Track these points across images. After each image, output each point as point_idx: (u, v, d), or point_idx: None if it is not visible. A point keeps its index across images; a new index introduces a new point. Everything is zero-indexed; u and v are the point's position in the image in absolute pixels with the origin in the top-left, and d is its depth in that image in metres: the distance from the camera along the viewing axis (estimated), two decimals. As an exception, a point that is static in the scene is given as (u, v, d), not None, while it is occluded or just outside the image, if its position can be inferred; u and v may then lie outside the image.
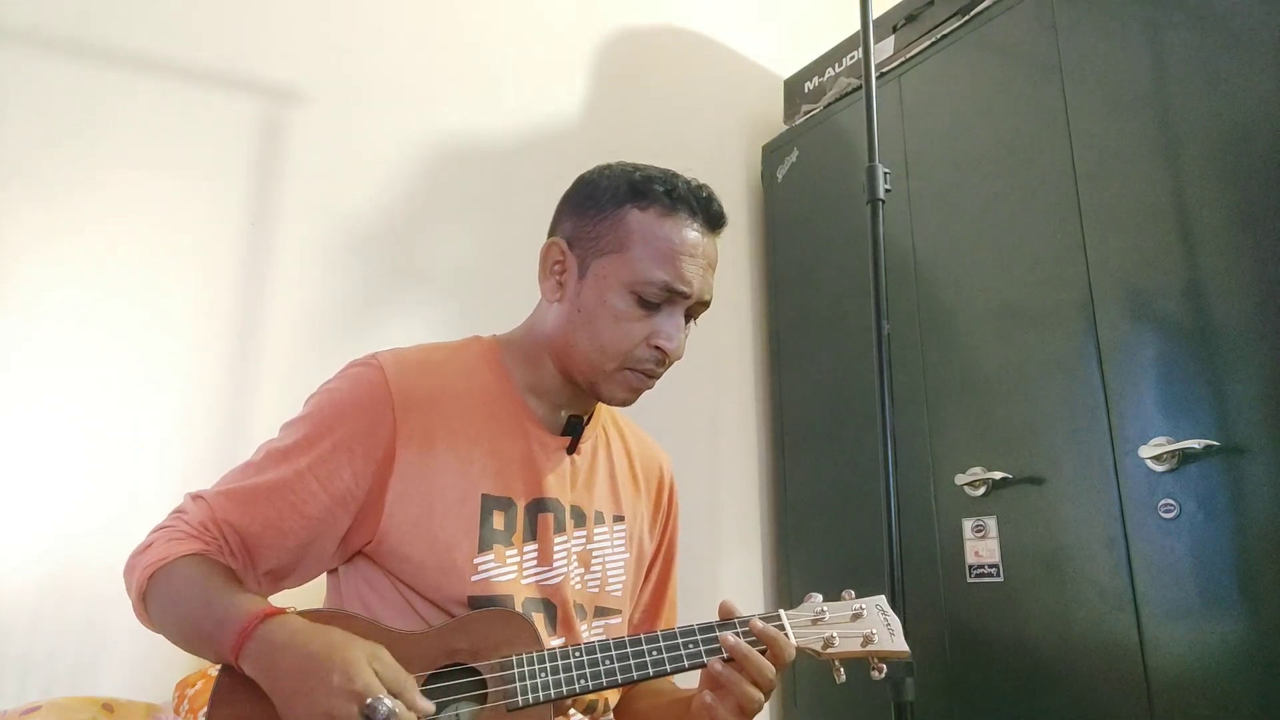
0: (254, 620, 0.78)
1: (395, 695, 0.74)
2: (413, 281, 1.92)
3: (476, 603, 0.89)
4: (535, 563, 0.95)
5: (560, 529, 0.97)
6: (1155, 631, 1.43)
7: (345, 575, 0.95)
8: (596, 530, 1.02)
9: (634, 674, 0.85)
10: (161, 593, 0.85)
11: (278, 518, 0.88)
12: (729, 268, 2.43)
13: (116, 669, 1.43)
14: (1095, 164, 1.63)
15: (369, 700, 0.72)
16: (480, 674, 0.82)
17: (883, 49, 2.14)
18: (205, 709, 0.91)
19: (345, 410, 0.91)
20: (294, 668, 0.75)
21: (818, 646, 0.88)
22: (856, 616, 0.91)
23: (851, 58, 2.30)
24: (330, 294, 1.80)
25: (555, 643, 0.93)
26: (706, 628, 0.87)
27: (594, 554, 1.01)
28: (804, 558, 2.18)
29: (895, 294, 1.93)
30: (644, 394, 0.98)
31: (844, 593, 0.95)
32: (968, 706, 1.68)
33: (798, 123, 2.43)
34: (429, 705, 0.77)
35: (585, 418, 1.03)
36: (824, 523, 2.12)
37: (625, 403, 0.98)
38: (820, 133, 2.34)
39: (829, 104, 2.33)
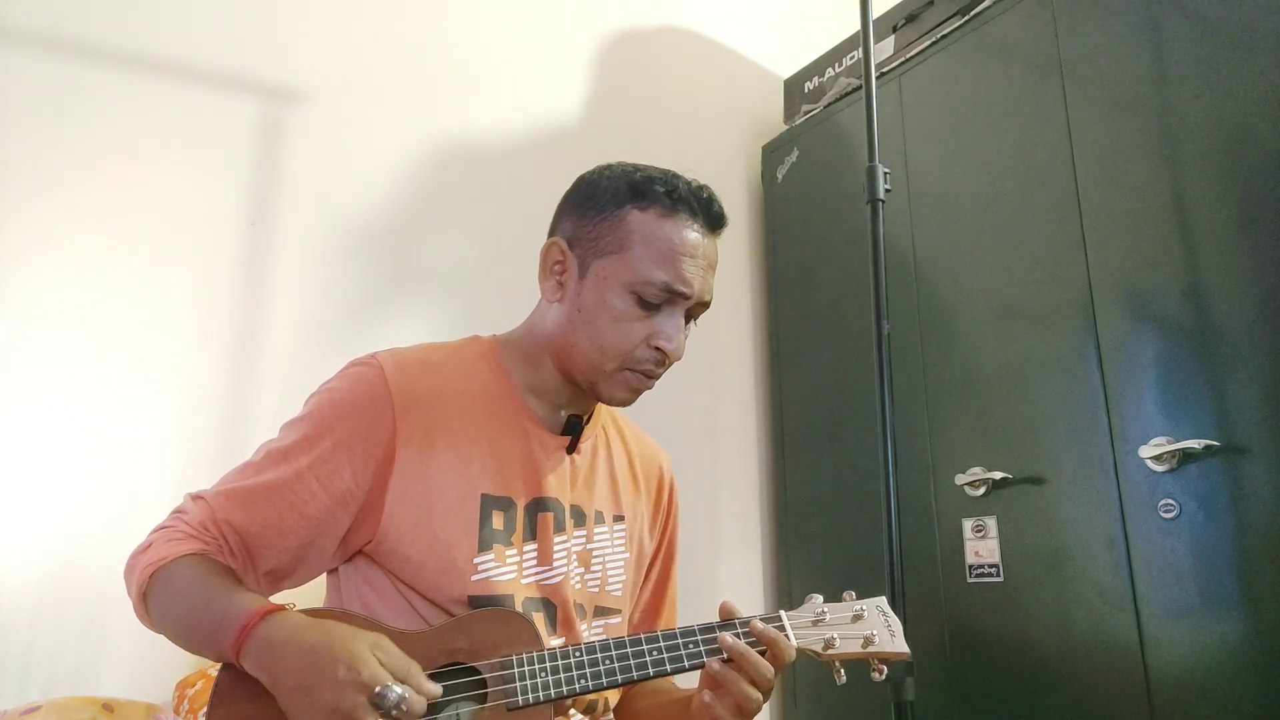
0: (255, 618, 0.78)
1: (402, 681, 0.74)
2: (413, 281, 1.92)
3: (476, 602, 0.89)
4: (535, 562, 0.95)
5: (560, 528, 0.97)
6: (1155, 631, 1.43)
7: (345, 575, 0.95)
8: (596, 530, 1.02)
9: (634, 674, 0.85)
10: (162, 592, 0.85)
11: (278, 518, 0.88)
12: (729, 268, 2.43)
13: (116, 669, 1.43)
14: (1095, 164, 1.63)
15: (377, 689, 0.72)
16: (480, 674, 0.82)
17: (883, 49, 2.14)
18: (205, 709, 0.91)
19: (345, 410, 0.91)
20: (297, 664, 0.75)
21: (818, 647, 0.89)
22: (857, 618, 0.91)
23: (851, 58, 2.30)
24: (330, 294, 1.80)
25: (555, 642, 0.93)
26: (706, 628, 0.87)
27: (594, 554, 1.01)
28: (804, 558, 2.18)
29: (895, 294, 1.93)
30: (644, 394, 0.98)
31: (845, 594, 0.95)
32: (968, 706, 1.68)
33: (798, 123, 2.43)
34: (436, 688, 0.77)
35: (585, 417, 1.03)
36: (824, 523, 2.12)
37: (625, 403, 0.98)
38: (820, 133, 2.34)
39: (829, 104, 2.33)
